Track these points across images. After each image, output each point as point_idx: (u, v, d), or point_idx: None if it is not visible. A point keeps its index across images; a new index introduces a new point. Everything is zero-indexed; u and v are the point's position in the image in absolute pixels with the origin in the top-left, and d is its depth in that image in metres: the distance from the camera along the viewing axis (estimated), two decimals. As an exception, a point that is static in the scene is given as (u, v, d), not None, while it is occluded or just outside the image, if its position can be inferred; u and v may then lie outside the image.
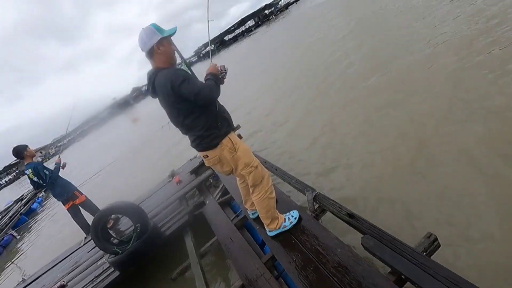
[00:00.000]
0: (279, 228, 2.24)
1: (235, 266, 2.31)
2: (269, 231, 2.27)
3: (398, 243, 1.59)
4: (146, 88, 1.93)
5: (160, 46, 1.78)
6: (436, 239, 1.57)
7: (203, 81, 1.87)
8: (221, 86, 1.94)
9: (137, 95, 73.92)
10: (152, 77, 1.82)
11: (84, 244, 4.36)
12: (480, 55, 3.95)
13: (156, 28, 1.78)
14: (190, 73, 1.83)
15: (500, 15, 4.67)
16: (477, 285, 1.25)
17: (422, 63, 4.67)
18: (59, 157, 4.16)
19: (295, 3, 55.86)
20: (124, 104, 73.24)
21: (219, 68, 1.99)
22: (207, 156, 2.00)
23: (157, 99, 1.94)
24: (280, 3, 61.02)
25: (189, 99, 1.73)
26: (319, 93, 6.11)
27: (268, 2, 60.01)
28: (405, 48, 5.60)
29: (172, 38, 1.87)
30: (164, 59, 1.82)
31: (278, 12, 55.64)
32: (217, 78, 1.91)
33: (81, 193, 4.30)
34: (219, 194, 3.56)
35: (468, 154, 2.62)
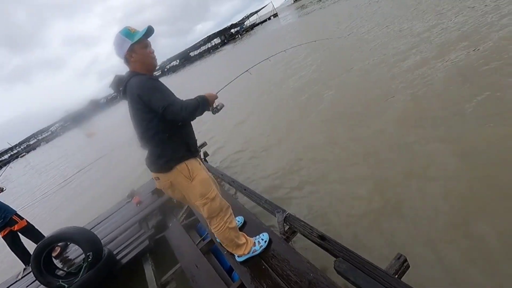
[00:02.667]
0: (248, 253, 2.13)
1: (201, 297, 2.13)
2: (238, 256, 2.15)
3: (371, 266, 1.58)
4: (116, 90, 1.80)
5: (132, 54, 1.68)
6: (405, 260, 1.59)
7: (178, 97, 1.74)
8: None
9: (95, 107, 69.79)
10: (126, 80, 1.70)
11: (22, 277, 3.79)
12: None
13: (126, 33, 1.65)
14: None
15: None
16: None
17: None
18: None
19: (260, 25, 58.02)
20: (79, 117, 68.52)
21: (217, 103, 1.92)
22: (158, 179, 1.86)
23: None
24: (245, 23, 63.05)
25: (156, 110, 1.60)
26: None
27: (234, 22, 61.73)
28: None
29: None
30: (139, 66, 1.71)
31: (244, 32, 57.24)
32: (205, 103, 1.77)
33: (21, 218, 3.79)
34: (184, 216, 3.35)
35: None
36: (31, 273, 3.42)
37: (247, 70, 2.65)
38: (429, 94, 3.92)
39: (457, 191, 2.42)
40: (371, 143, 3.58)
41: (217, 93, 1.97)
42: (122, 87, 1.74)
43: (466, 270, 1.88)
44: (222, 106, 1.99)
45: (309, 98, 6.14)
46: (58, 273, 2.86)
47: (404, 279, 1.54)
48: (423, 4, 8.72)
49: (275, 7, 63.37)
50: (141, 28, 1.72)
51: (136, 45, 1.67)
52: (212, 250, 2.68)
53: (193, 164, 1.85)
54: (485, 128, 2.88)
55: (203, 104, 1.74)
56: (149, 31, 1.71)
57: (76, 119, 68.84)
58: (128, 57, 1.69)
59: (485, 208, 2.19)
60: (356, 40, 8.61)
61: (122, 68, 1.80)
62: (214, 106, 1.92)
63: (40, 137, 73.97)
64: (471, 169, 2.56)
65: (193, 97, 1.73)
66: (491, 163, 2.52)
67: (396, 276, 1.53)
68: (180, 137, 1.80)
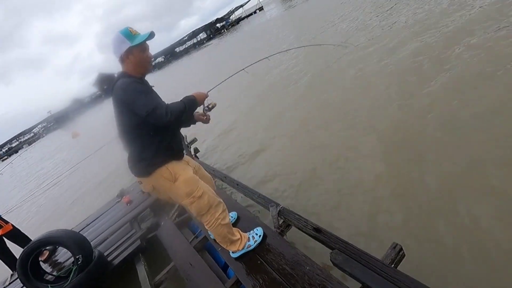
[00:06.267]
0: (243, 248, 2.10)
1: (197, 295, 2.10)
2: (232, 252, 2.13)
3: (367, 256, 1.58)
4: (100, 89, 1.76)
5: (129, 55, 1.65)
6: (401, 249, 1.60)
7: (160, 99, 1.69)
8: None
9: (78, 107, 67.92)
10: (116, 80, 1.66)
11: (9, 284, 3.66)
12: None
13: (126, 34, 1.62)
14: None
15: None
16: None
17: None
18: None
19: (246, 19, 57.49)
20: (63, 117, 66.60)
21: (208, 102, 1.86)
22: (141, 182, 1.85)
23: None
24: (231, 17, 62.38)
25: (140, 114, 1.56)
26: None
27: (219, 17, 61.01)
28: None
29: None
30: (132, 68, 1.68)
31: (230, 26, 56.64)
32: (192, 104, 1.73)
33: (6, 222, 3.64)
34: (176, 213, 3.29)
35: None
36: (18, 279, 3.32)
37: (243, 69, 2.50)
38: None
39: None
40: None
41: (208, 92, 1.91)
42: (110, 86, 1.70)
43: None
44: (215, 105, 1.94)
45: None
46: (47, 278, 2.78)
47: (400, 267, 1.55)
48: None
49: (260, 0, 62.80)
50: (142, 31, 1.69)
51: (135, 48, 1.63)
52: (206, 247, 2.65)
53: (176, 166, 1.82)
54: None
55: (190, 105, 1.71)
56: (151, 36, 1.67)
57: (59, 119, 67.01)
58: (124, 58, 1.66)
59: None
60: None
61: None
62: (205, 105, 1.88)
63: (22, 139, 71.78)
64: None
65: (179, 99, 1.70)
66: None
67: (393, 265, 1.53)
68: (163, 140, 1.75)
